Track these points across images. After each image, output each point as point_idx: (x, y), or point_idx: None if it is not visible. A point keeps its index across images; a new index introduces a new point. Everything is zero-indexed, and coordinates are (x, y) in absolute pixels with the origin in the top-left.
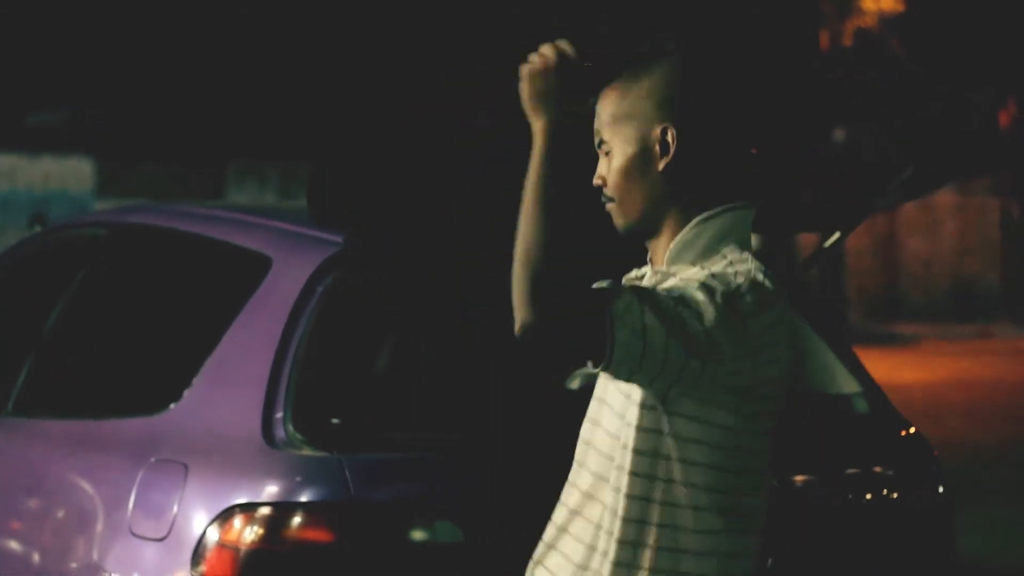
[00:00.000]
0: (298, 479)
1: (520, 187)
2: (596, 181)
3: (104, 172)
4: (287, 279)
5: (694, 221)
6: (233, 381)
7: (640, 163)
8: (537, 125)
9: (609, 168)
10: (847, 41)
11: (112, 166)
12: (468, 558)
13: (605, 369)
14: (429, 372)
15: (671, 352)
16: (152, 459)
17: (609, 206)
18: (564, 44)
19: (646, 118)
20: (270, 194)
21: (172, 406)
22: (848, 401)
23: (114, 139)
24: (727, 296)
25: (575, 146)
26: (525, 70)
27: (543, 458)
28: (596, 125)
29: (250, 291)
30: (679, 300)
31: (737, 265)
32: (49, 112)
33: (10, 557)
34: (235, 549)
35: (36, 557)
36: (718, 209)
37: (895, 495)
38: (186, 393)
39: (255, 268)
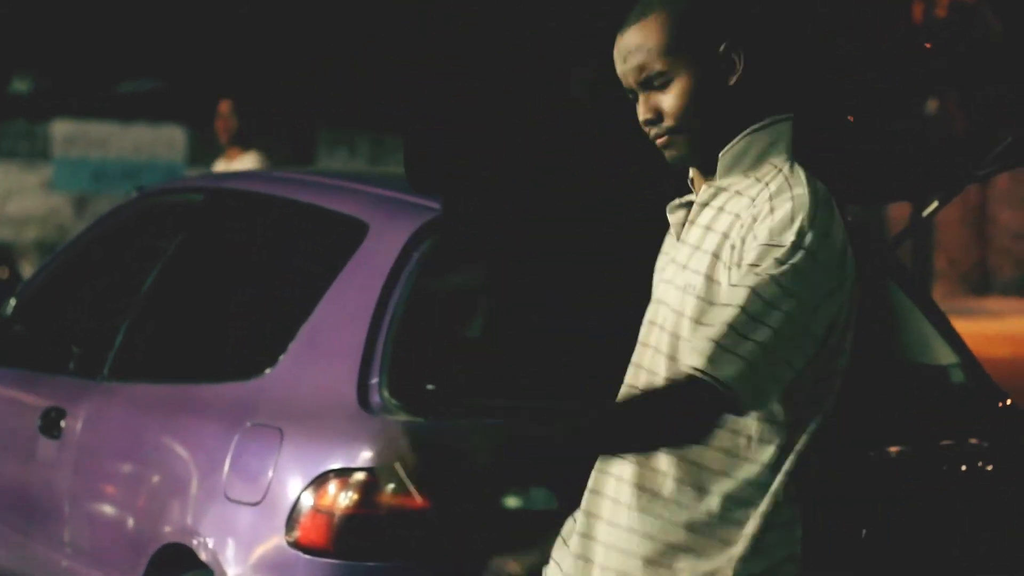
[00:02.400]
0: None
1: (613, 153)
2: (647, 116)
3: (196, 140)
4: (383, 245)
5: (744, 132)
6: (329, 347)
7: (710, 85)
8: None
9: (670, 98)
10: (941, 12)
11: (204, 134)
12: (563, 524)
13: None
14: (523, 338)
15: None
16: (248, 424)
17: (669, 138)
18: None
19: (707, 38)
20: (360, 162)
21: (268, 371)
22: (944, 372)
23: (206, 108)
24: (799, 251)
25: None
26: None
27: None
28: (637, 61)
29: (346, 257)
30: (757, 308)
31: (791, 180)
32: (142, 80)
33: (106, 520)
34: (329, 514)
35: (131, 521)
36: (766, 121)
37: (990, 467)
38: (282, 358)
39: (352, 234)
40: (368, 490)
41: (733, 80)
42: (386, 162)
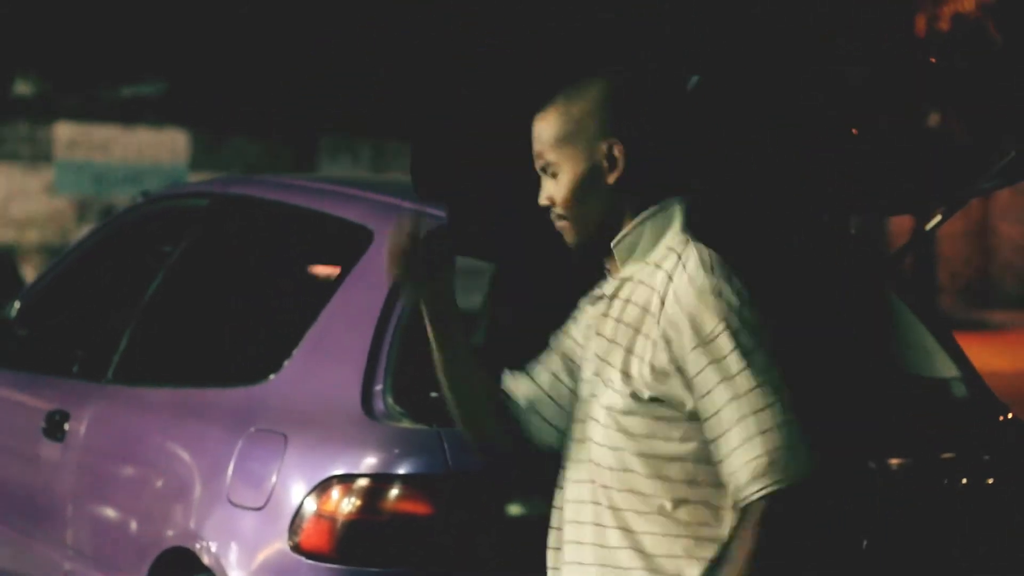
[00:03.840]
0: (396, 451)
1: None
2: (543, 202)
3: (199, 145)
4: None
5: (635, 221)
6: (333, 353)
7: (590, 180)
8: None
9: (558, 188)
10: (943, 25)
11: (207, 139)
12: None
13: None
14: (527, 345)
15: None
16: (252, 429)
17: (560, 224)
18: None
19: (591, 135)
20: (362, 169)
21: (272, 377)
22: (946, 384)
23: (209, 112)
24: (739, 311)
25: None
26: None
27: None
28: (537, 148)
29: (352, 263)
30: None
31: (685, 260)
32: (145, 83)
33: (109, 523)
34: (332, 520)
35: (134, 524)
36: (655, 207)
37: (991, 480)
38: (286, 364)
39: (357, 240)
40: (371, 496)
41: (614, 176)
42: (388, 169)
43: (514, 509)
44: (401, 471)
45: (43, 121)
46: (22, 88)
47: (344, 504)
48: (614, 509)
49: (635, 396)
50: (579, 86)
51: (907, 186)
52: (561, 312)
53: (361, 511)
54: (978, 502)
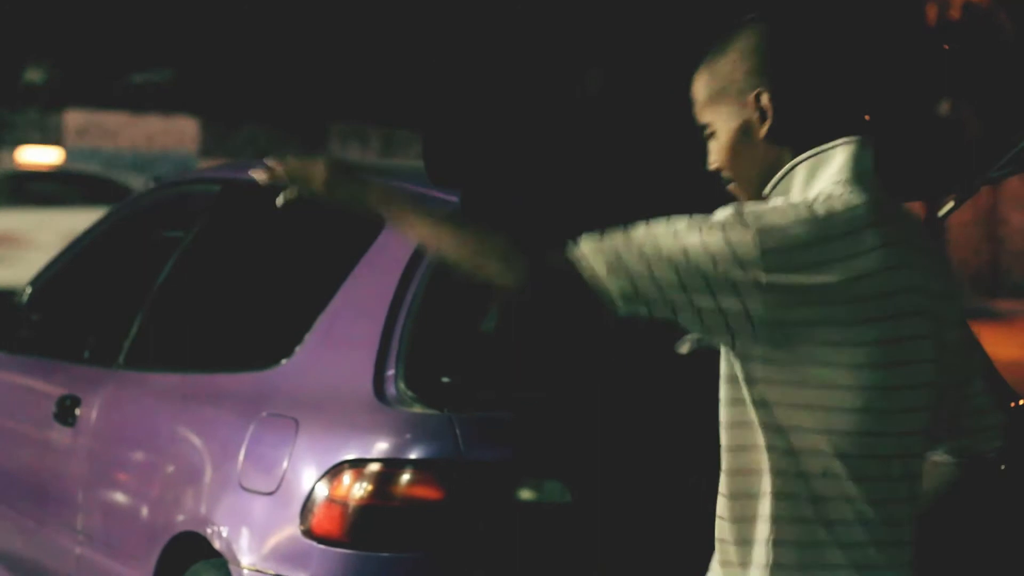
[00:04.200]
0: (408, 436)
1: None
2: (711, 167)
3: (208, 132)
4: (401, 237)
5: (784, 168)
6: (345, 338)
7: (744, 135)
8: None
9: (717, 149)
10: (955, 14)
11: (216, 127)
12: (576, 519)
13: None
14: (539, 332)
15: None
16: (263, 414)
17: (730, 188)
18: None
19: (739, 90)
20: (372, 156)
21: (284, 362)
22: None
23: (219, 100)
24: (735, 216)
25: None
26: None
27: (653, 421)
28: (695, 113)
29: (363, 249)
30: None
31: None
32: (154, 71)
33: (120, 508)
34: (344, 505)
35: (145, 509)
36: (808, 152)
37: (1002, 466)
38: (298, 349)
39: (369, 226)
40: (383, 481)
41: (766, 127)
42: (398, 155)
43: (525, 495)
44: (412, 456)
45: (53, 108)
46: (33, 76)
47: (355, 489)
48: None
49: None
50: (723, 41)
51: (919, 173)
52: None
53: (372, 496)
54: (988, 489)
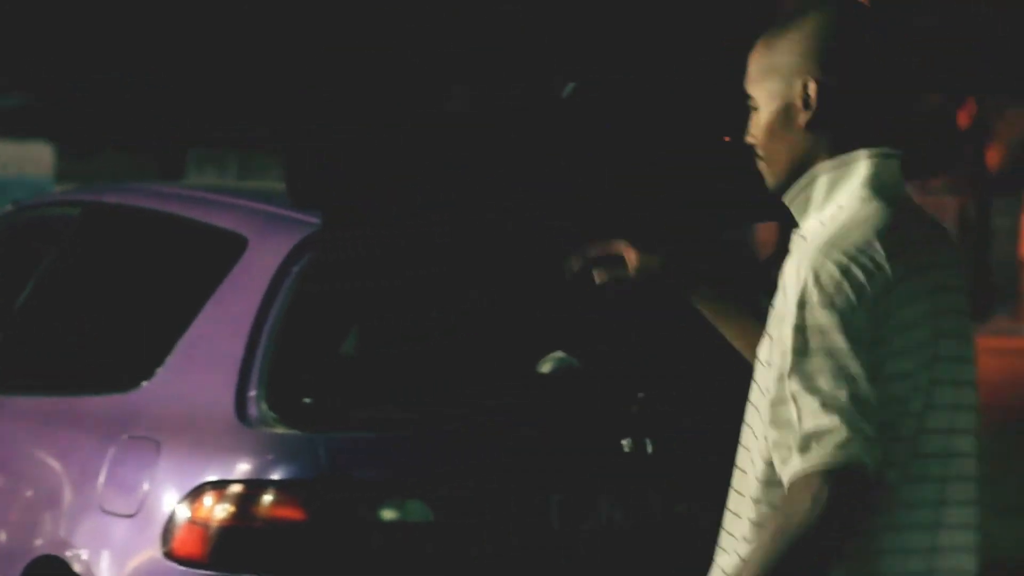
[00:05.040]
0: (270, 457)
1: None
2: (749, 140)
3: (63, 158)
4: (263, 259)
5: (809, 172)
6: (207, 360)
7: (783, 118)
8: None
9: (756, 125)
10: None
11: (72, 152)
12: (438, 537)
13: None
14: (401, 352)
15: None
16: (124, 436)
17: (760, 165)
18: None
19: (789, 72)
20: (230, 180)
21: (145, 384)
22: None
23: (74, 125)
24: (834, 292)
25: None
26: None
27: (514, 439)
28: (744, 82)
29: (226, 271)
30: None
31: (844, 215)
32: (8, 96)
33: None
34: (205, 526)
35: (3, 533)
36: (836, 159)
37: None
38: (159, 371)
39: (231, 248)
40: (245, 502)
41: (807, 116)
42: (256, 178)
43: (387, 514)
44: (274, 477)
45: None
46: None
47: (217, 510)
48: None
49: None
50: (790, 19)
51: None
52: (435, 316)
53: (234, 517)
54: None
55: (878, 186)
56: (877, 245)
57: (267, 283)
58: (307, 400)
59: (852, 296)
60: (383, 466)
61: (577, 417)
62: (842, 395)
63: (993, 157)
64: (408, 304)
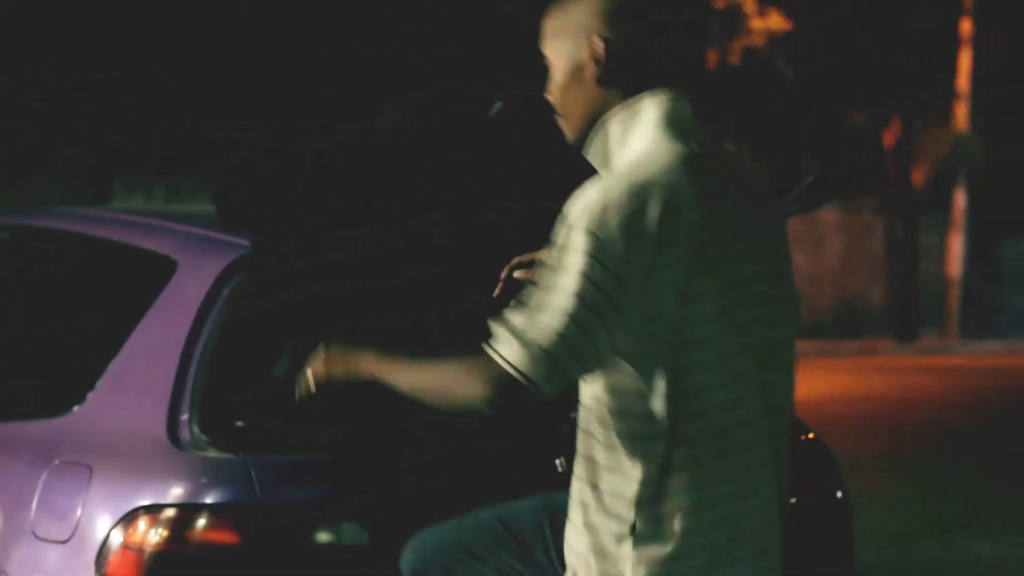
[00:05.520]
0: (203, 480)
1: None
2: (548, 97)
3: None
4: (193, 282)
5: (600, 120)
6: (138, 383)
7: (574, 74)
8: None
9: (551, 82)
10: (734, 59)
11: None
12: (373, 560)
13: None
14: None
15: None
16: (56, 461)
17: (558, 120)
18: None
19: (578, 30)
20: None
21: (76, 408)
22: None
23: (2, 152)
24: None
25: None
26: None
27: (447, 460)
28: (540, 43)
29: (155, 294)
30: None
31: (635, 156)
32: None
33: None
34: (139, 551)
35: None
36: (624, 104)
37: (793, 499)
38: (90, 395)
39: (160, 271)
40: (178, 526)
41: (595, 71)
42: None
43: (322, 537)
44: (208, 500)
45: None
46: None
47: (151, 535)
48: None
49: None
50: None
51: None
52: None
53: (168, 542)
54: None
55: (668, 125)
56: (664, 180)
57: (197, 305)
58: (239, 423)
59: (616, 226)
60: (317, 488)
61: (511, 437)
62: (558, 321)
63: (919, 176)
64: (339, 324)
